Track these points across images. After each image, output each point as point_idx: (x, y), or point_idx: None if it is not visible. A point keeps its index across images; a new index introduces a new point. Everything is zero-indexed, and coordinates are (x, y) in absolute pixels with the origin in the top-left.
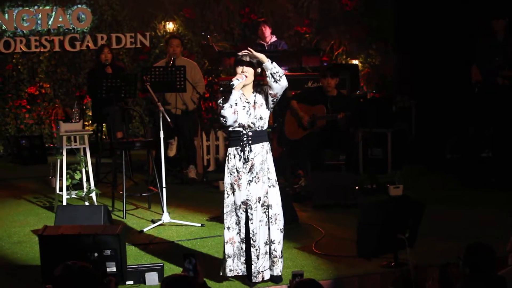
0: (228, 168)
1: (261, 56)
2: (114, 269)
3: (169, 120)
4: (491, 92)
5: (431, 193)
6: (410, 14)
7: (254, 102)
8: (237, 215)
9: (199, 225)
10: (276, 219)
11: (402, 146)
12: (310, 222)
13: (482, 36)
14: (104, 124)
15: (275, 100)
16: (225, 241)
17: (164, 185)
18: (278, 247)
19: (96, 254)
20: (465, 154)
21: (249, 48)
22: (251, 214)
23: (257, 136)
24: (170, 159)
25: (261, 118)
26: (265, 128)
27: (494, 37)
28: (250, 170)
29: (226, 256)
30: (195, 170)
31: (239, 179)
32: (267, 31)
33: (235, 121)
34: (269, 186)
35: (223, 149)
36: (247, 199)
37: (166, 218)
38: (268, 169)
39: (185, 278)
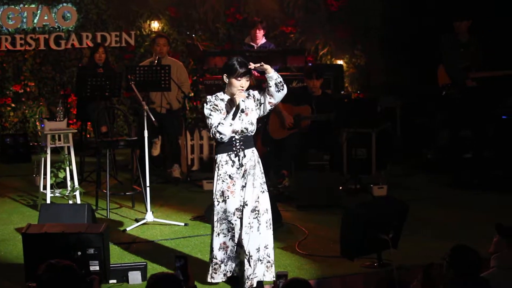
0: (218, 175)
1: (267, 67)
2: (97, 268)
3: (153, 119)
4: (462, 94)
5: (415, 193)
6: (396, 14)
7: (246, 108)
8: (229, 222)
9: (183, 224)
10: (270, 224)
11: (386, 146)
12: (293, 222)
13: (444, 35)
14: (89, 123)
15: (272, 106)
16: (215, 247)
17: (148, 184)
18: (271, 253)
19: (79, 253)
20: (448, 155)
21: (262, 63)
22: (244, 220)
23: (248, 141)
24: (154, 158)
25: (252, 123)
26: (253, 133)
27: (457, 39)
28: (243, 175)
29: (215, 263)
30: (179, 169)
31: (233, 185)
32: (261, 33)
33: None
34: (261, 192)
35: (208, 149)
36: (240, 205)
37: (149, 217)
38: (258, 174)
39: (172, 276)
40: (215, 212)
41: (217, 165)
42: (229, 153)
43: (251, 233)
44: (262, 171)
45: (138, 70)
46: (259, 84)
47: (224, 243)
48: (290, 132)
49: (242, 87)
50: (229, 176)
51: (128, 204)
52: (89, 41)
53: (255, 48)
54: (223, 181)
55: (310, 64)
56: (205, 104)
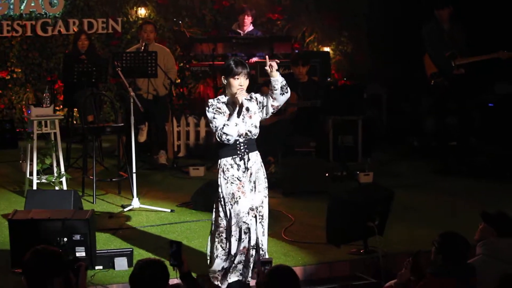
0: (225, 179)
1: (277, 73)
2: (83, 254)
3: (140, 105)
4: (449, 82)
5: (401, 180)
6: (383, 2)
7: (248, 110)
8: (245, 223)
9: (169, 210)
10: (267, 229)
11: (372, 133)
12: (279, 209)
13: (426, 24)
14: (75, 109)
15: (274, 110)
16: (235, 252)
17: (134, 170)
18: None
19: (65, 239)
20: (434, 142)
21: (276, 60)
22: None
23: (252, 144)
24: (140, 144)
25: (255, 126)
26: (256, 136)
27: (440, 27)
28: (249, 179)
29: (233, 266)
30: (165, 155)
31: (242, 186)
32: (248, 20)
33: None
34: (264, 196)
35: (194, 135)
36: (255, 206)
37: (136, 203)
38: (262, 178)
39: (158, 262)
40: (230, 216)
41: (221, 169)
42: (234, 156)
43: (252, 236)
44: (265, 175)
45: (125, 57)
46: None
47: (245, 247)
48: (276, 118)
49: (241, 85)
50: (237, 178)
51: (115, 191)
52: (76, 28)
53: (242, 35)
54: (232, 183)
55: (297, 51)
56: (207, 108)
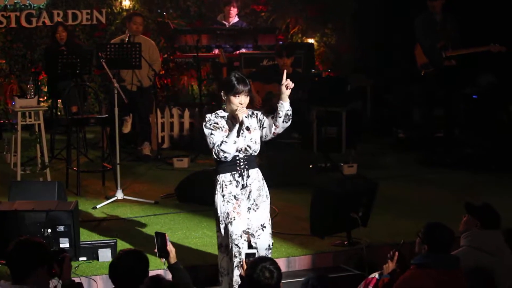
0: (222, 196)
1: (286, 95)
2: (67, 245)
3: (124, 96)
4: (439, 74)
5: (385, 172)
6: None
7: (248, 129)
8: (237, 246)
9: (153, 202)
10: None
11: (356, 125)
12: None
13: (419, 15)
14: (59, 100)
15: (273, 136)
16: (232, 269)
17: (118, 161)
18: None
19: (49, 230)
20: (419, 134)
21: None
22: (255, 243)
23: (252, 161)
24: (124, 136)
25: (255, 142)
26: (256, 153)
27: (433, 18)
28: (248, 197)
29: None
30: (149, 146)
31: (238, 206)
32: (234, 11)
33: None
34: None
35: (178, 126)
36: (248, 228)
37: (120, 194)
38: (265, 195)
39: (138, 252)
40: (223, 236)
41: (219, 185)
42: (233, 172)
43: (269, 255)
44: (268, 192)
45: (109, 48)
46: (230, 62)
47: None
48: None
49: (241, 103)
50: (234, 196)
51: (99, 182)
52: (60, 19)
53: (227, 26)
54: (228, 202)
55: (281, 42)
56: (204, 123)
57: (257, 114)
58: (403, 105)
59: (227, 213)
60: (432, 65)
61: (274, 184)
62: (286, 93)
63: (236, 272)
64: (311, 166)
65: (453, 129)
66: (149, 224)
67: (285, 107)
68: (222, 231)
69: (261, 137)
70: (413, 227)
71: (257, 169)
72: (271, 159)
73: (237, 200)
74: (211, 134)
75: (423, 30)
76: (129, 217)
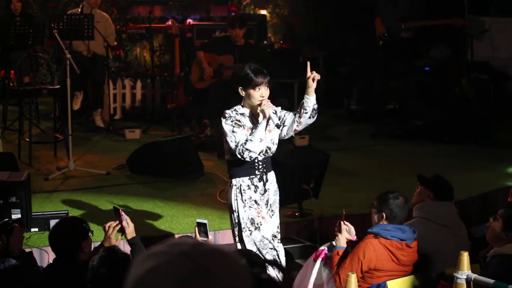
0: (243, 201)
1: (313, 89)
2: (19, 216)
3: (76, 67)
4: (395, 45)
5: (337, 143)
6: None
7: (278, 123)
8: (273, 249)
9: (105, 173)
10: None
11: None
12: (215, 172)
13: None
14: (12, 71)
15: (294, 133)
16: None
17: (70, 132)
18: None
19: (1, 201)
20: (371, 106)
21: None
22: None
23: (269, 163)
24: (74, 112)
25: (274, 143)
26: (273, 154)
27: None
28: (267, 202)
29: None
30: (101, 115)
31: (261, 210)
32: None
33: None
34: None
35: (130, 98)
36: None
37: (71, 165)
38: (278, 201)
39: (73, 220)
40: (249, 243)
41: (237, 190)
42: (251, 177)
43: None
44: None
45: (62, 19)
46: (183, 33)
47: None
48: (212, 81)
49: (263, 96)
50: (255, 201)
51: (51, 153)
52: None
53: None
54: (250, 207)
55: (233, 13)
56: (224, 120)
57: (276, 110)
58: (355, 77)
59: (252, 218)
60: (390, 35)
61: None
62: (312, 86)
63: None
64: None
65: (405, 101)
66: (100, 195)
67: (312, 101)
68: (246, 238)
69: (281, 136)
70: (364, 198)
71: (272, 171)
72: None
73: (258, 205)
74: (233, 132)
75: (386, 1)
76: (81, 188)
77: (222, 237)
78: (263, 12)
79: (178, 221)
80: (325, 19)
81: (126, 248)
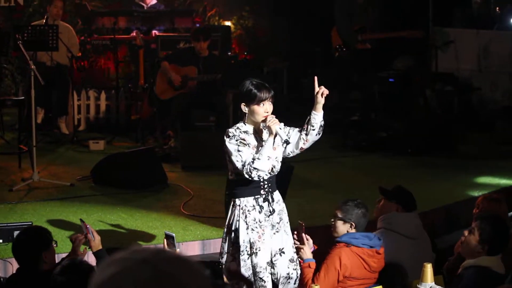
0: (246, 223)
1: (321, 105)
2: None
3: (40, 79)
4: (353, 57)
5: (301, 154)
6: None
7: (287, 139)
8: (262, 279)
9: (69, 184)
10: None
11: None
12: (179, 183)
13: None
14: None
15: (300, 152)
16: None
17: (34, 144)
18: None
19: None
20: (334, 117)
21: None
22: (272, 273)
23: (274, 182)
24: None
25: (278, 161)
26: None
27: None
28: (272, 224)
29: None
30: (65, 122)
31: (263, 234)
32: None
33: None
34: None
35: (94, 109)
36: (271, 258)
37: (35, 177)
38: (286, 218)
39: (34, 229)
40: (244, 268)
41: (240, 211)
42: (256, 197)
43: (287, 284)
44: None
45: (26, 30)
46: (147, 45)
47: None
48: (176, 92)
49: (267, 112)
50: (259, 222)
51: (15, 164)
52: None
53: (145, 8)
54: (252, 230)
55: (198, 25)
56: (227, 139)
57: (280, 127)
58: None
59: (252, 242)
60: (346, 47)
61: (189, 166)
62: (321, 102)
63: None
64: None
65: (369, 112)
66: (64, 207)
67: (319, 117)
68: (242, 262)
69: (285, 154)
70: (327, 210)
71: (277, 190)
72: (187, 141)
73: (261, 228)
74: (239, 151)
75: (341, 12)
76: (45, 199)
77: (185, 248)
78: (228, 23)
79: (142, 232)
80: (289, 30)
81: (93, 260)
